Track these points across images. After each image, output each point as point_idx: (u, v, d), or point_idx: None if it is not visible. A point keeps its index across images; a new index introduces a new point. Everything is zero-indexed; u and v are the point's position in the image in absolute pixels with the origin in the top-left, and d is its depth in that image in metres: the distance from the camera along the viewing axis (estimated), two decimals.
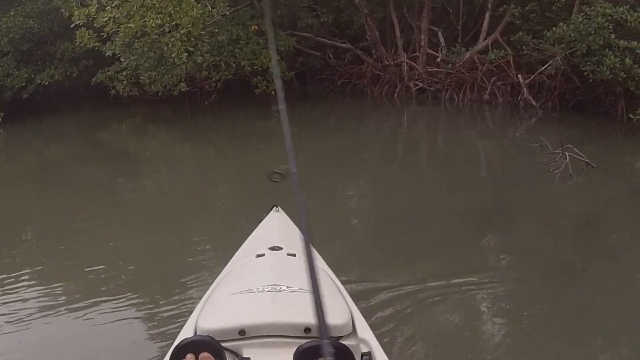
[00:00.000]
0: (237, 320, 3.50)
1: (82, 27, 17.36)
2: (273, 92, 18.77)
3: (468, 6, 20.66)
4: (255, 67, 19.09)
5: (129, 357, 6.02)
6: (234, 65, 18.81)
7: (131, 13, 16.81)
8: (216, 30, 17.46)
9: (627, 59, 15.42)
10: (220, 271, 4.69)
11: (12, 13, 20.39)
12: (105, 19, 16.81)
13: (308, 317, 3.24)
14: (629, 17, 15.67)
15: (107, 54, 17.90)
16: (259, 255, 4.56)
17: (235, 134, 17.64)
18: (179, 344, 3.17)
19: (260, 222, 5.51)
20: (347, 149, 15.35)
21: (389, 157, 15.02)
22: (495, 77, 18.97)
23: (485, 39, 19.64)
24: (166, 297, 7.02)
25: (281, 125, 3.20)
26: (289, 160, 3.03)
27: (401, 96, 20.59)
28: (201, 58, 17.16)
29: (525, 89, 18.18)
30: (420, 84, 20.20)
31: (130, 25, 16.42)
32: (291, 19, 21.57)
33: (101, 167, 14.72)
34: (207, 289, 4.38)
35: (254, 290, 3.77)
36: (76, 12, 17.13)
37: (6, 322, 6.71)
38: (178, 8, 16.72)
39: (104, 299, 7.16)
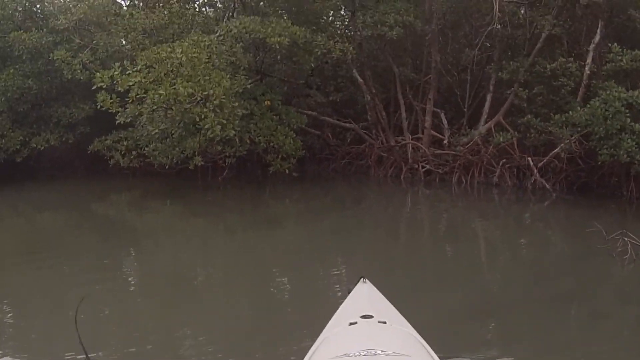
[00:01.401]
0: None
1: (103, 91, 16.93)
2: (287, 171, 18.85)
3: (469, 89, 21.11)
4: (271, 144, 18.87)
5: None
6: (248, 142, 18.41)
7: (159, 79, 16.57)
8: (236, 103, 17.25)
9: None
10: (315, 339, 4.90)
11: (10, 71, 19.73)
12: (131, 83, 16.49)
13: None
14: None
15: (121, 121, 17.42)
16: (352, 323, 4.83)
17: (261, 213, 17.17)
18: None
19: (348, 292, 5.95)
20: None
21: (443, 247, 14.20)
22: (504, 160, 19.33)
23: (486, 122, 20.14)
24: None
25: None
26: None
27: (407, 178, 20.70)
28: (233, 132, 16.82)
29: (536, 171, 18.56)
30: (427, 166, 20.39)
31: (160, 91, 16.09)
32: (291, 97, 21.55)
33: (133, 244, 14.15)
34: (304, 356, 4.59)
35: (351, 354, 3.98)
36: (98, 74, 16.79)
37: None
38: (208, 78, 16.57)
39: None
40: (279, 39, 18.04)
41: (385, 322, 4.84)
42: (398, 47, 21.50)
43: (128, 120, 17.53)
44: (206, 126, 16.19)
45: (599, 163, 17.10)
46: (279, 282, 11.11)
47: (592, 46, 18.33)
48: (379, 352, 3.97)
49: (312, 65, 19.68)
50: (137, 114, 17.09)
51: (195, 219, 16.65)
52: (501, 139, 19.08)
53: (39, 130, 20.62)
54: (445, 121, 20.89)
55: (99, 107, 17.09)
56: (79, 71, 18.96)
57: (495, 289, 10.60)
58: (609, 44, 17.62)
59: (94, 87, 16.79)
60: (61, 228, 15.91)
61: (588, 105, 17.02)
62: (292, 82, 21.62)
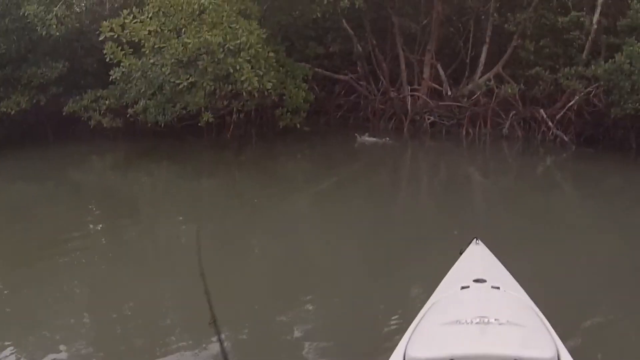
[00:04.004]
0: (447, 351, 3.67)
1: (110, 42, 15.33)
2: (297, 125, 17.78)
3: (471, 40, 20.64)
4: (283, 96, 17.67)
5: None
6: (256, 95, 16.78)
7: (179, 27, 15.13)
8: (271, 53, 16.00)
9: None
10: (425, 301, 4.84)
11: None
12: (145, 32, 14.95)
13: (516, 350, 3.58)
14: None
15: (116, 77, 15.90)
16: (463, 287, 4.77)
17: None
18: None
19: (460, 254, 5.73)
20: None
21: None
22: (514, 112, 19.09)
23: (483, 73, 19.80)
24: (372, 326, 6.99)
25: None
26: None
27: (409, 130, 20.10)
28: (270, 84, 15.57)
29: (552, 124, 18.43)
30: (432, 118, 19.85)
31: (187, 40, 14.67)
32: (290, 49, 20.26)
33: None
34: (413, 318, 4.50)
35: (463, 321, 3.91)
36: (105, 23, 15.18)
37: None
38: (236, 25, 15.25)
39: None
40: None
41: (498, 288, 4.70)
42: None
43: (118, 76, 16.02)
44: (242, 78, 14.91)
45: (612, 116, 17.16)
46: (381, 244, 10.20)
47: (599, 0, 18.16)
48: (492, 320, 3.87)
49: (318, 15, 18.52)
50: (149, 66, 15.58)
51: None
52: (509, 90, 18.79)
53: (7, 92, 18.17)
54: (442, 73, 20.32)
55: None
56: (54, 26, 16.93)
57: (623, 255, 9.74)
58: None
59: (100, 38, 15.15)
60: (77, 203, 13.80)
61: (611, 60, 16.90)
62: (294, 33, 20.32)
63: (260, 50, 15.17)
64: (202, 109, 16.46)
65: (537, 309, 4.58)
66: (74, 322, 7.44)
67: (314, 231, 11.24)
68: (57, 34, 16.71)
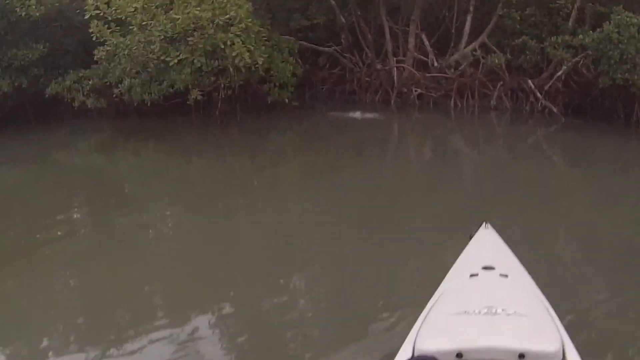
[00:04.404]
0: (455, 343, 3.74)
1: (96, 20, 14.93)
2: (286, 100, 17.51)
3: (456, 8, 20.33)
4: (270, 71, 17.34)
5: None
6: (244, 70, 16.27)
7: (165, 3, 14.76)
8: (261, 28, 15.67)
9: None
10: (435, 290, 4.90)
11: None
12: (132, 9, 14.57)
13: (523, 343, 3.68)
14: None
15: (101, 56, 15.54)
16: (472, 275, 4.84)
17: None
18: None
19: (470, 237, 5.78)
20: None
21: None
22: (501, 82, 18.99)
23: (468, 43, 19.61)
24: (381, 316, 6.93)
25: None
26: None
27: (396, 103, 19.90)
28: (262, 59, 15.26)
29: (540, 94, 18.36)
30: (419, 90, 19.66)
31: (176, 16, 14.31)
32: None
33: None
34: (423, 307, 4.58)
35: (470, 311, 4.01)
36: (89, 1, 14.75)
37: None
38: (223, 0, 14.92)
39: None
40: None
41: (507, 276, 4.79)
42: None
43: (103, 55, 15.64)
44: (233, 53, 14.61)
45: (600, 86, 17.12)
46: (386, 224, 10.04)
47: None
48: (499, 310, 3.98)
49: None
50: (136, 44, 15.18)
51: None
52: (496, 60, 18.62)
53: None
54: (427, 43, 20.11)
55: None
56: (33, 7, 16.48)
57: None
58: None
59: (86, 17, 14.72)
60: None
61: (599, 30, 16.81)
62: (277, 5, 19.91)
63: (250, 24, 14.84)
64: (190, 86, 16.13)
65: (544, 298, 4.67)
66: (59, 308, 7.40)
67: (310, 213, 10.94)
68: (37, 14, 16.22)
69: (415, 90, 19.72)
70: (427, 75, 19.83)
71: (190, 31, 14.61)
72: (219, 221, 10.35)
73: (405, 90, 19.89)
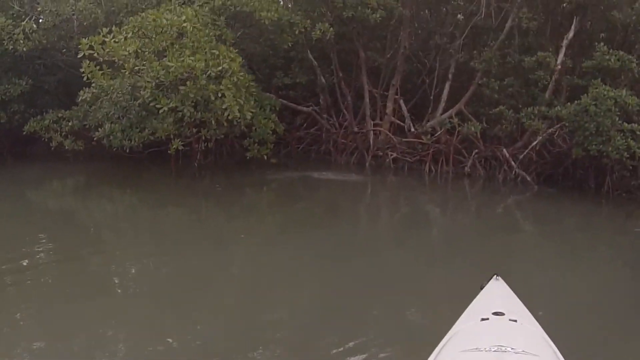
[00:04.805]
0: None
1: (88, 61, 14.79)
2: (265, 157, 17.47)
3: (436, 76, 20.74)
4: (252, 126, 17.29)
5: None
6: (226, 124, 16.19)
7: (159, 49, 14.69)
8: (253, 82, 15.72)
9: (631, 140, 16.65)
10: (447, 331, 5.05)
11: None
12: (126, 53, 14.45)
13: None
14: (630, 100, 16.96)
15: (86, 97, 15.30)
16: (483, 319, 5.06)
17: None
18: None
19: (481, 288, 6.00)
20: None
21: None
22: (476, 150, 19.29)
23: (445, 110, 19.97)
24: (394, 353, 7.08)
25: None
26: None
27: (371, 166, 20.02)
28: (250, 114, 15.23)
29: (514, 163, 18.68)
30: (394, 154, 19.82)
31: (170, 64, 14.23)
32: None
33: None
34: (435, 346, 4.71)
35: (482, 349, 4.24)
36: (83, 41, 14.67)
37: None
38: (216, 52, 14.92)
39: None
40: (267, 14, 16.70)
41: (516, 321, 5.00)
42: (370, 31, 20.57)
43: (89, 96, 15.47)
44: (224, 106, 14.55)
45: (573, 157, 17.54)
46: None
47: (565, 42, 18.67)
48: (509, 349, 4.18)
49: (290, 45, 18.37)
50: (126, 88, 15.03)
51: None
52: (472, 128, 18.95)
53: None
54: (405, 108, 20.39)
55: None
56: (21, 41, 16.32)
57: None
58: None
59: (79, 56, 14.55)
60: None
61: (576, 102, 17.27)
62: (260, 62, 20.00)
63: (241, 78, 14.83)
64: (172, 135, 15.97)
65: (550, 342, 4.82)
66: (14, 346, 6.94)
67: (283, 267, 10.49)
68: (24, 49, 16.01)
69: (391, 154, 19.91)
70: (403, 140, 20.08)
71: (182, 80, 14.45)
72: (189, 271, 9.88)
73: (381, 153, 20.06)
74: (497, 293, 5.84)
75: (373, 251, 11.79)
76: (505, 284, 6.06)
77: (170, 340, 7.33)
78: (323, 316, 8.13)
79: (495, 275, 6.18)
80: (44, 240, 11.70)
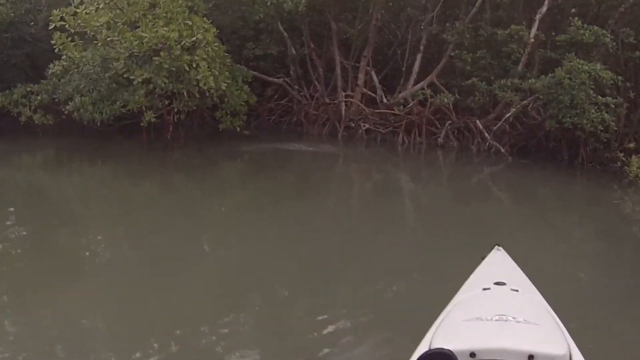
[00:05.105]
0: (469, 344, 3.98)
1: (59, 32, 14.37)
2: (238, 129, 17.23)
3: (408, 48, 20.61)
4: (224, 98, 16.97)
5: None
6: (198, 96, 16.02)
7: (132, 20, 14.32)
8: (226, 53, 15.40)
9: (605, 113, 16.81)
10: (449, 300, 5.13)
11: None
12: (98, 24, 14.06)
13: (532, 346, 3.91)
14: (604, 74, 17.06)
15: (55, 70, 14.90)
16: (485, 289, 5.11)
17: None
18: (422, 355, 3.72)
19: (482, 259, 6.01)
20: None
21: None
22: (450, 122, 19.27)
23: (416, 82, 19.89)
24: (399, 322, 7.09)
25: None
26: None
27: (344, 137, 19.89)
28: (225, 85, 14.95)
29: (488, 135, 18.71)
30: (367, 125, 19.70)
31: (143, 34, 13.89)
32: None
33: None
34: (438, 315, 4.78)
35: (484, 318, 4.28)
36: (55, 12, 14.27)
37: None
38: (189, 23, 14.60)
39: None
40: None
41: (517, 290, 5.04)
42: (341, 2, 20.32)
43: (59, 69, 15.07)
44: (198, 77, 14.26)
45: (547, 129, 17.69)
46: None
47: (538, 16, 18.65)
48: (510, 318, 4.21)
49: (261, 16, 18.07)
50: (98, 59, 14.64)
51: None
52: (445, 100, 18.91)
53: None
54: (376, 80, 20.26)
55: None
56: None
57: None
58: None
59: (50, 27, 14.13)
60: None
61: (551, 74, 17.34)
62: (231, 34, 19.61)
63: (216, 49, 14.54)
64: (144, 108, 15.63)
65: (551, 311, 4.87)
66: None
67: (257, 243, 10.19)
68: None
69: (364, 126, 19.79)
70: (375, 111, 19.95)
71: (156, 50, 14.12)
72: (161, 246, 9.67)
73: (353, 125, 19.95)
74: (498, 263, 5.91)
75: (349, 222, 11.88)
76: (506, 254, 6.13)
77: (142, 312, 7.22)
78: (313, 288, 8.12)
79: (496, 246, 6.25)
80: (13, 216, 11.43)
